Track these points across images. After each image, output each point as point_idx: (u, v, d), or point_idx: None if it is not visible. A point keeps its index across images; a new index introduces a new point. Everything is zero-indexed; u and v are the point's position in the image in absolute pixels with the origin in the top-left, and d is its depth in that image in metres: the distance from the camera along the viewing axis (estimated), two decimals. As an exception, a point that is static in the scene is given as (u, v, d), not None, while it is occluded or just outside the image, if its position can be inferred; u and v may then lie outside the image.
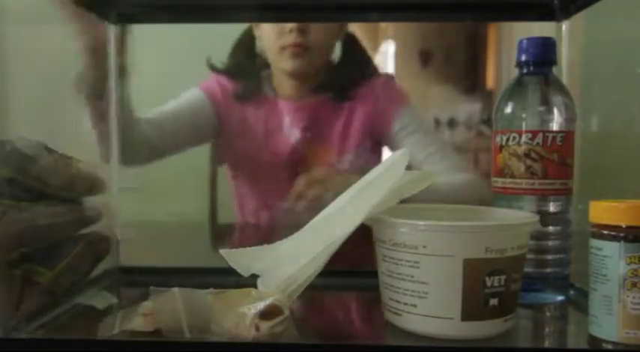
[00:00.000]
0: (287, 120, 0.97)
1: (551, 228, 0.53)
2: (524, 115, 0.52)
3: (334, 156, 0.96)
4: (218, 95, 1.00)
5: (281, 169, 0.97)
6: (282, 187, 0.95)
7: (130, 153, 0.90)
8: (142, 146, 0.92)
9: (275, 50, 0.94)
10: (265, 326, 0.42)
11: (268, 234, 1.00)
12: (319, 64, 0.97)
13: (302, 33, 0.91)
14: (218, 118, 1.00)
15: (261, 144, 0.98)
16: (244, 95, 0.99)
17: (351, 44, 1.00)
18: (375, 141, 0.98)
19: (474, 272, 0.41)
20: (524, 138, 0.52)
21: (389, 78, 1.06)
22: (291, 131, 0.97)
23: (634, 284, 0.39)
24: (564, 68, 0.65)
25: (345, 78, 0.98)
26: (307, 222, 0.52)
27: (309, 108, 0.98)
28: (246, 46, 1.01)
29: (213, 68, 1.01)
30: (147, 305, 0.45)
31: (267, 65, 1.02)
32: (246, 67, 1.01)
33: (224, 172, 1.26)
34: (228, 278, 0.67)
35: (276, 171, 0.97)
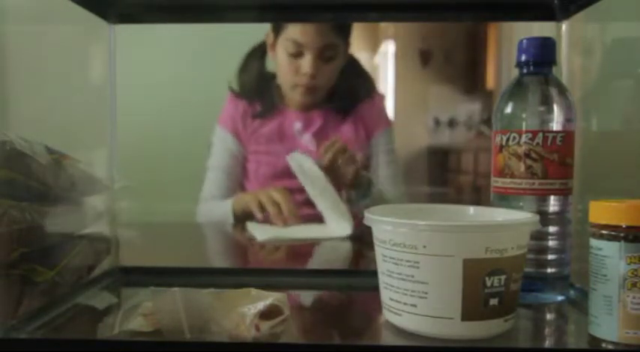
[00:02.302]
0: (299, 126, 1.14)
1: (551, 228, 0.53)
2: (524, 115, 0.52)
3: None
4: (238, 122, 1.16)
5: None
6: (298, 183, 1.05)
7: None
8: None
9: (288, 84, 1.11)
10: (265, 326, 0.42)
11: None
12: (325, 94, 1.13)
13: (314, 77, 1.08)
14: (242, 146, 1.17)
15: (279, 149, 1.13)
16: (263, 112, 1.15)
17: (353, 66, 1.17)
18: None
19: (474, 272, 0.41)
20: (524, 138, 0.52)
21: (381, 98, 1.25)
22: (302, 135, 1.14)
23: (634, 284, 0.39)
24: (564, 68, 0.65)
25: (347, 95, 1.15)
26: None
27: (318, 117, 1.14)
28: (256, 66, 1.17)
29: (235, 93, 1.16)
30: (147, 305, 0.45)
31: (274, 77, 1.14)
32: (259, 85, 1.16)
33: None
34: (228, 279, 0.67)
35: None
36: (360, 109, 1.15)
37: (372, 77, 1.29)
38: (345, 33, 1.11)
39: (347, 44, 1.13)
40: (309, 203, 0.99)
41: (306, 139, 1.13)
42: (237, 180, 1.19)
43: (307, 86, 1.08)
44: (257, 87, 1.15)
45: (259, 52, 1.15)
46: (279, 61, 1.11)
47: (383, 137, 1.17)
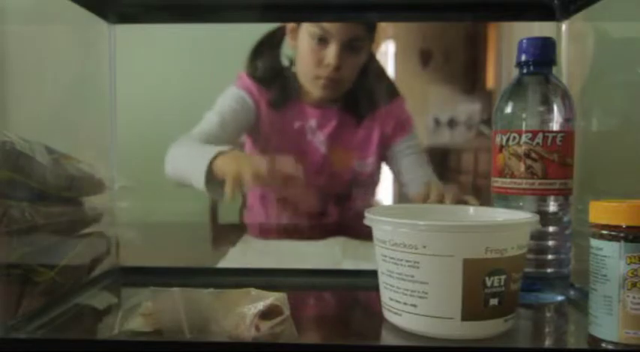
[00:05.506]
0: (313, 124, 1.07)
1: (551, 228, 0.53)
2: (524, 115, 0.52)
3: (355, 161, 1.08)
4: (255, 93, 1.07)
5: (306, 167, 1.05)
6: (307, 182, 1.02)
7: None
8: None
9: (309, 75, 1.04)
10: (265, 326, 0.42)
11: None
12: (345, 90, 1.06)
13: (337, 69, 1.01)
14: (256, 115, 1.07)
15: (290, 143, 1.07)
16: (277, 103, 1.07)
17: (375, 68, 1.10)
18: (382, 154, 1.09)
19: (474, 272, 0.41)
20: (524, 138, 0.52)
21: (402, 101, 1.16)
22: (316, 134, 1.07)
23: (634, 284, 0.39)
24: (564, 68, 0.65)
25: (366, 98, 1.08)
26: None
27: (334, 117, 1.07)
28: (271, 53, 1.08)
29: (251, 75, 1.07)
30: (147, 305, 0.45)
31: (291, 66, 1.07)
32: (275, 73, 1.08)
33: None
34: (228, 279, 0.67)
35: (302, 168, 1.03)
36: (378, 114, 1.10)
37: (392, 80, 1.19)
38: (372, 26, 1.05)
39: (372, 39, 1.07)
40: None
41: (319, 140, 1.07)
42: (236, 135, 1.07)
43: (330, 78, 1.01)
44: (272, 74, 1.08)
45: (275, 39, 1.08)
46: (300, 50, 1.03)
47: (408, 141, 1.10)
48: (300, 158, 1.07)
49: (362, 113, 1.09)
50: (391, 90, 1.15)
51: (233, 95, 1.07)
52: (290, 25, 1.04)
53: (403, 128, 1.11)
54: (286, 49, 1.09)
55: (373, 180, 1.10)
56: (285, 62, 1.08)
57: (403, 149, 1.10)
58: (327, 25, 0.98)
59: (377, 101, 1.11)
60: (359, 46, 1.02)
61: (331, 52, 0.99)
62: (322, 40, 0.99)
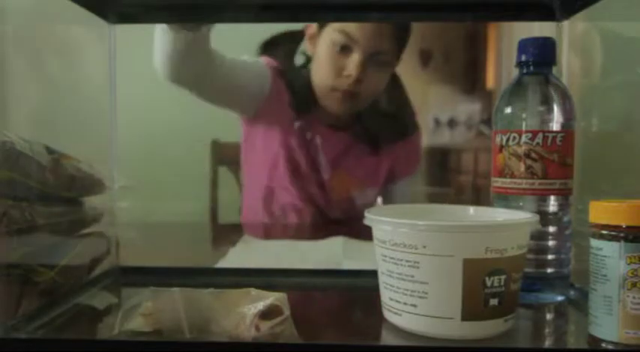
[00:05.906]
0: (318, 143, 1.00)
1: (551, 228, 0.53)
2: (524, 115, 0.52)
3: (359, 188, 1.02)
4: (274, 64, 1.01)
5: (306, 183, 1.02)
6: (300, 192, 1.00)
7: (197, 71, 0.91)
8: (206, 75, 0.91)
9: (325, 85, 0.95)
10: (265, 326, 0.42)
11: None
12: (360, 109, 0.98)
13: (358, 82, 0.92)
14: (270, 85, 1.00)
15: (299, 152, 1.00)
16: (296, 105, 1.00)
17: (400, 96, 1.02)
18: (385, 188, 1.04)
19: (474, 272, 0.41)
20: (524, 138, 0.52)
21: (418, 136, 1.08)
22: (318, 155, 1.00)
23: (634, 284, 0.39)
24: (564, 68, 0.65)
25: (383, 129, 1.01)
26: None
27: (344, 142, 1.01)
28: (291, 49, 1.01)
29: (274, 61, 1.00)
30: (147, 305, 0.45)
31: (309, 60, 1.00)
32: (295, 72, 1.01)
33: (224, 172, 1.27)
34: (228, 278, 0.67)
35: (299, 183, 1.01)
36: (395, 149, 1.01)
37: (415, 112, 1.08)
38: (402, 42, 0.95)
39: (399, 56, 0.97)
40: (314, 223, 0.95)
41: (321, 162, 1.00)
42: (239, 85, 0.98)
43: (348, 91, 0.92)
44: (294, 71, 0.99)
45: (296, 39, 1.00)
46: (319, 57, 0.94)
47: (409, 180, 1.05)
48: (297, 171, 1.01)
49: (376, 145, 1.00)
50: (411, 125, 1.06)
51: (256, 59, 1.01)
52: (310, 31, 0.97)
53: (410, 168, 1.05)
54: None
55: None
56: (300, 60, 1.02)
57: (403, 185, 1.05)
58: (352, 32, 0.90)
59: (396, 136, 1.02)
60: (384, 61, 0.94)
61: (353, 62, 0.91)
62: (345, 49, 0.91)
